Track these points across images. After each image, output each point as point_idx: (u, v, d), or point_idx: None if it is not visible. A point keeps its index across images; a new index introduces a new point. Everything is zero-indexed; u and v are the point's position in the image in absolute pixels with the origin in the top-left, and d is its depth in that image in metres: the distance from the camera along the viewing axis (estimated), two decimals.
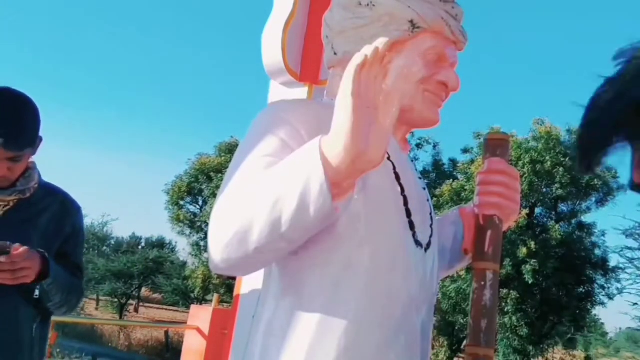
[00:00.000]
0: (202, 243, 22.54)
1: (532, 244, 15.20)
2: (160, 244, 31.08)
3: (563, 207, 17.55)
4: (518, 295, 15.37)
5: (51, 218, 1.77)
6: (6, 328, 1.65)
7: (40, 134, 1.73)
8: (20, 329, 1.68)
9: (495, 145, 1.25)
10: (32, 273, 1.58)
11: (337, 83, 1.15)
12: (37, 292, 1.65)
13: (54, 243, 1.77)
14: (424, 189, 1.21)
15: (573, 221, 17.30)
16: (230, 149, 22.21)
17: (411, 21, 1.09)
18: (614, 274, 16.83)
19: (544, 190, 16.66)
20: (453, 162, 20.12)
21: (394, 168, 1.11)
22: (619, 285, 17.12)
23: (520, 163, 15.63)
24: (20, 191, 1.72)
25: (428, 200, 1.20)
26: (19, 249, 1.54)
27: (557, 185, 16.17)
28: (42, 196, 1.78)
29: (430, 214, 1.18)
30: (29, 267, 1.57)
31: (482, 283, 1.16)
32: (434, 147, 21.17)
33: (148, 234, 40.36)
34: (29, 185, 1.74)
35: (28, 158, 1.72)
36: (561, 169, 15.87)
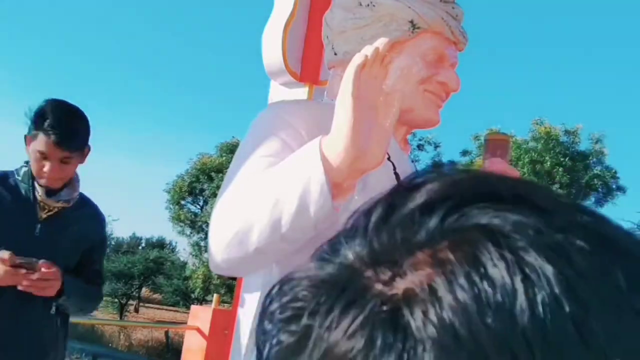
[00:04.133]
0: (202, 243, 22.49)
1: None
2: (160, 244, 31.01)
3: None
4: None
5: (82, 227, 1.91)
6: (35, 330, 1.77)
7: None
8: (45, 330, 1.81)
9: (495, 145, 1.25)
10: (55, 289, 1.72)
11: (337, 83, 1.14)
12: (53, 308, 1.79)
13: (80, 250, 1.91)
14: None
15: None
16: (231, 149, 22.17)
17: (411, 21, 1.09)
18: None
19: None
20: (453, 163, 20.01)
21: (394, 168, 1.11)
22: None
23: (520, 163, 15.63)
24: (65, 200, 1.85)
25: None
26: (51, 267, 1.68)
27: (556, 186, 16.15)
28: (78, 206, 1.91)
29: None
30: (53, 285, 1.71)
31: None
32: (435, 147, 21.12)
33: (148, 234, 40.37)
34: (73, 195, 1.87)
35: (77, 163, 1.84)
36: (560, 169, 15.88)
